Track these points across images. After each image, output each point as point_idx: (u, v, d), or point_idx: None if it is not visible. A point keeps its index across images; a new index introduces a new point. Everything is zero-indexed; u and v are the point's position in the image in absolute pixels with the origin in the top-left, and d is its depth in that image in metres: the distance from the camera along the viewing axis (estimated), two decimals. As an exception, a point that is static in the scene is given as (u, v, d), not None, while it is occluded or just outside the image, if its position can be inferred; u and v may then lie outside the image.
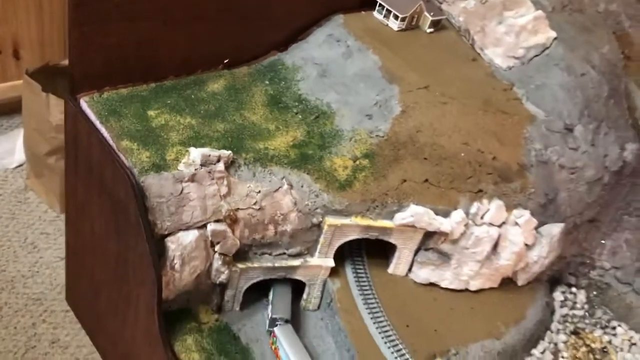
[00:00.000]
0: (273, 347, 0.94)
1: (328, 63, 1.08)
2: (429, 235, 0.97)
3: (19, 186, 1.60)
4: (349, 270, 1.00)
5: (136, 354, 0.94)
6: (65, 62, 1.48)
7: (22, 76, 1.30)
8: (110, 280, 0.95)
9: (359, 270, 1.00)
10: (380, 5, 1.16)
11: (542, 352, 1.06)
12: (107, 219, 0.89)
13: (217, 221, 0.86)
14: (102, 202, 0.89)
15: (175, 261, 0.84)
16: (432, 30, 1.18)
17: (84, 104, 0.88)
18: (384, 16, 1.17)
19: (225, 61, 1.04)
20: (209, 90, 1.00)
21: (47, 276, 1.55)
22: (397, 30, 1.16)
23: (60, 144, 1.48)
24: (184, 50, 0.97)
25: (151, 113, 0.91)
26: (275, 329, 0.94)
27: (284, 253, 0.95)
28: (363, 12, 1.17)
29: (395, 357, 0.88)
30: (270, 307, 0.97)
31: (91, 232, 0.96)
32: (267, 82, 1.05)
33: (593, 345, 1.13)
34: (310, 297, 1.00)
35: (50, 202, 1.50)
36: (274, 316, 0.95)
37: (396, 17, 1.15)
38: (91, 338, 1.12)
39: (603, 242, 1.18)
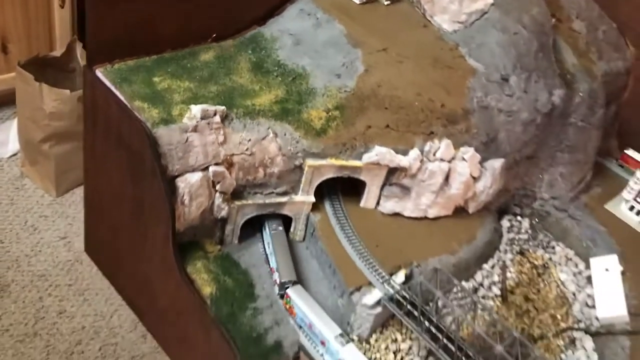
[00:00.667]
0: (287, 306, 1.07)
1: (301, 33, 1.27)
2: (391, 172, 1.17)
3: (15, 174, 1.70)
4: (327, 206, 1.19)
5: (154, 283, 1.12)
6: (54, 53, 1.60)
7: (14, 68, 1.38)
8: (128, 223, 1.13)
9: (335, 205, 1.20)
10: (343, -18, 1.35)
11: (492, 267, 1.26)
12: (124, 169, 1.07)
13: (216, 164, 1.05)
14: (119, 155, 1.06)
15: (184, 197, 1.02)
16: (389, 2, 1.37)
17: (99, 73, 1.06)
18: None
19: (214, 35, 1.22)
20: (202, 60, 1.18)
21: (49, 255, 1.68)
22: (359, 4, 1.35)
23: (53, 131, 1.59)
24: (178, 27, 1.15)
25: (155, 79, 1.09)
26: (288, 291, 1.07)
27: (273, 192, 1.14)
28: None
29: (368, 269, 1.08)
30: (277, 273, 1.09)
31: (109, 183, 1.14)
32: (250, 52, 1.24)
33: (536, 263, 1.34)
34: (297, 230, 1.19)
35: (45, 187, 1.60)
36: (282, 281, 1.08)
37: (357, -8, 1.34)
38: (110, 280, 1.30)
39: (541, 176, 1.39)
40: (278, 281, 1.09)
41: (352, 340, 1.03)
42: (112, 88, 1.04)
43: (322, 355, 1.02)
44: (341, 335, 1.01)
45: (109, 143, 1.08)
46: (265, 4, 1.28)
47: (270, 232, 1.15)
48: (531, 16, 1.31)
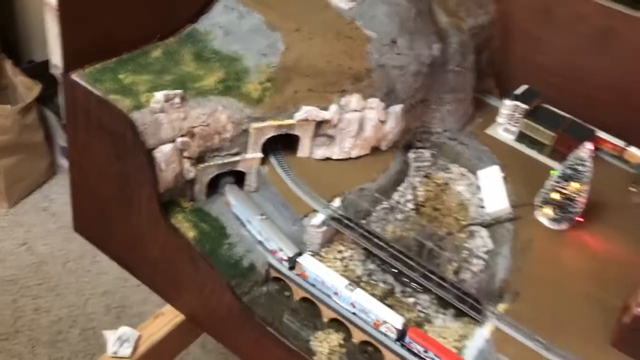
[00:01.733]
0: (300, 272, 1.31)
1: (228, 25, 1.55)
2: (318, 125, 1.49)
3: (-33, 191, 1.90)
4: (272, 159, 1.49)
5: (145, 238, 1.40)
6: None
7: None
8: (115, 195, 1.39)
9: (279, 158, 1.50)
10: (255, -21, 1.65)
11: (405, 189, 1.62)
12: (108, 150, 1.33)
13: (182, 136, 1.33)
14: (102, 140, 1.33)
15: (161, 164, 1.30)
16: (295, -9, 1.68)
17: (75, 77, 1.31)
18: (260, -14, 1.65)
19: (158, 36, 1.49)
20: (153, 57, 1.45)
21: (13, 261, 1.87)
22: None
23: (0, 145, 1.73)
24: (131, 33, 1.41)
25: (121, 76, 1.36)
26: (298, 260, 1.29)
27: (228, 154, 1.44)
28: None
29: (311, 200, 1.40)
30: (281, 252, 1.31)
31: (93, 166, 1.39)
32: (190, 45, 1.51)
33: (438, 182, 1.69)
34: (250, 182, 1.49)
35: (-4, 200, 1.81)
36: (290, 256, 1.31)
37: (268, -14, 1.63)
38: (103, 250, 1.56)
39: (434, 115, 1.75)
40: (286, 257, 1.31)
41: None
42: (89, 87, 1.30)
43: (337, 302, 1.28)
44: (350, 284, 1.27)
45: (91, 132, 1.34)
46: (196, 4, 1.56)
47: (259, 219, 1.39)
48: (408, -11, 1.65)
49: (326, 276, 1.29)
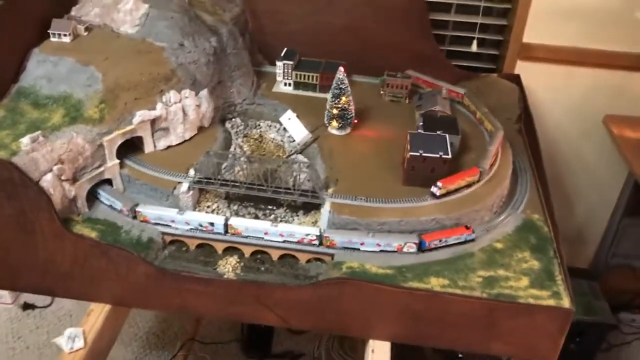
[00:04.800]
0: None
1: (48, 74, 1.86)
2: (153, 123, 1.89)
3: None
4: (128, 161, 1.87)
5: (54, 258, 1.69)
6: None
7: None
8: (14, 234, 1.66)
9: (132, 158, 1.88)
10: (52, 34, 1.97)
11: (234, 148, 2.10)
12: (-3, 198, 1.60)
13: (55, 165, 1.65)
14: (-11, 192, 1.60)
15: (50, 190, 1.62)
16: (86, 33, 2.04)
17: (-54, 151, 1.56)
18: (56, 37, 1.98)
19: (-6, 100, 1.77)
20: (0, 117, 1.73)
21: None
22: (70, 41, 1.99)
23: None
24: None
25: (-16, 138, 1.63)
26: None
27: (93, 168, 1.78)
28: (47, 40, 1.97)
29: (174, 177, 1.81)
30: None
31: (-14, 218, 1.65)
32: (23, 99, 1.80)
33: (255, 137, 2.20)
34: (117, 184, 1.85)
35: None
36: None
37: (64, 35, 1.97)
38: (13, 288, 1.80)
39: (231, 90, 2.25)
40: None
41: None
42: (-36, 153, 1.56)
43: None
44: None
45: (-24, 190, 1.60)
46: (12, 68, 1.85)
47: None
48: (175, 2, 2.11)
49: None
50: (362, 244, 1.69)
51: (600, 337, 2.75)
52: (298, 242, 1.71)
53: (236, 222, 1.73)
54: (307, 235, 1.70)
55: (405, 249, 1.69)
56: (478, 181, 1.84)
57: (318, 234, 1.70)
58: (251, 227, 1.72)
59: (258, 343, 2.83)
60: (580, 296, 2.68)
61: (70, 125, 1.74)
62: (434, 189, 1.77)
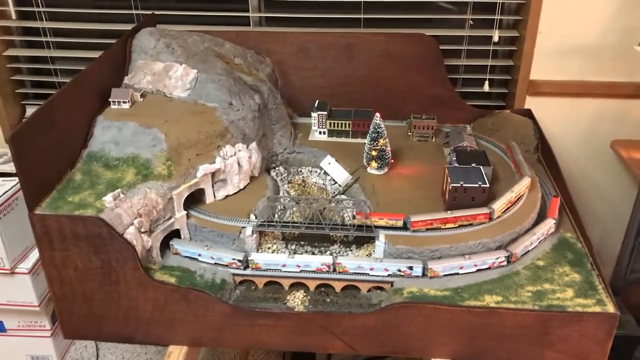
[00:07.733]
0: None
1: (114, 138, 2.04)
2: (213, 175, 2.07)
3: None
4: (192, 212, 2.04)
5: (136, 305, 1.83)
6: None
7: None
8: (99, 285, 1.81)
9: (196, 209, 2.05)
10: (112, 101, 2.16)
11: (282, 194, 2.27)
12: (86, 252, 1.75)
13: (135, 218, 1.82)
14: (79, 247, 1.75)
15: (133, 242, 1.77)
16: (142, 99, 2.24)
17: (40, 212, 1.72)
18: (116, 104, 2.17)
19: (69, 169, 1.94)
20: (77, 180, 1.89)
21: None
22: (129, 107, 2.18)
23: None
24: (54, 174, 1.85)
25: (70, 199, 1.78)
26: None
27: (165, 220, 1.95)
28: (108, 108, 2.16)
29: (237, 222, 1.98)
30: None
31: (74, 271, 1.79)
32: (95, 163, 1.98)
33: (298, 182, 2.38)
34: (185, 234, 2.01)
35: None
36: None
37: (124, 102, 2.17)
38: (97, 339, 1.92)
39: (273, 141, 2.44)
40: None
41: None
42: (56, 213, 1.72)
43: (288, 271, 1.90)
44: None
45: (67, 246, 1.75)
46: (81, 136, 2.04)
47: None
48: (219, 67, 2.32)
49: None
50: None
51: (631, 350, 2.88)
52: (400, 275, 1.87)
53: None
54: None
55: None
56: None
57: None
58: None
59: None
60: (607, 311, 2.82)
61: (143, 182, 1.91)
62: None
